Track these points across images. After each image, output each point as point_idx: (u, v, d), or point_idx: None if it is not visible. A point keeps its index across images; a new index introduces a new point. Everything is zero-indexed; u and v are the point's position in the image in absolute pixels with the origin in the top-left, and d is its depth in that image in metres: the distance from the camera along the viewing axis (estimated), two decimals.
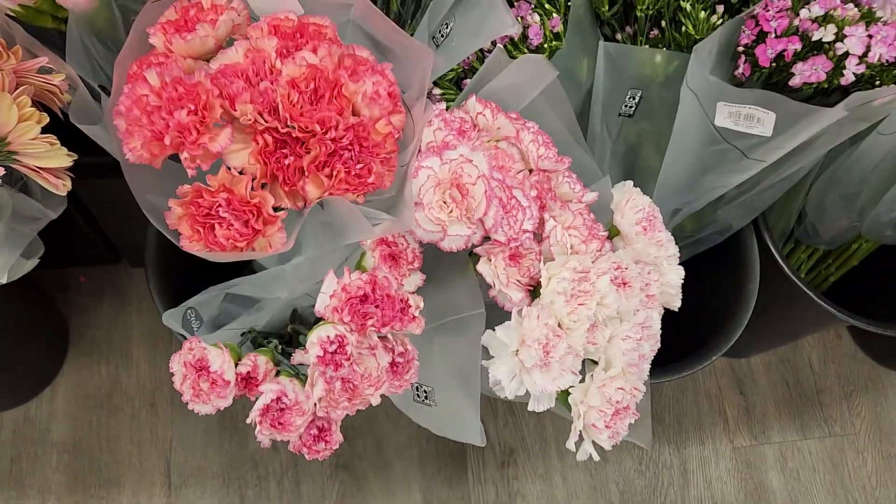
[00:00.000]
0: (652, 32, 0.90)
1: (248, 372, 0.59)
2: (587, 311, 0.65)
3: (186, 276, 0.93)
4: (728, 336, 0.99)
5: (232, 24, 0.64)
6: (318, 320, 0.61)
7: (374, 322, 0.59)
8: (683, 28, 0.87)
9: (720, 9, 0.87)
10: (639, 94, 0.87)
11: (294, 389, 0.58)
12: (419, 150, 0.64)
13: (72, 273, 1.38)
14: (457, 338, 0.69)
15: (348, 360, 0.55)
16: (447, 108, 0.70)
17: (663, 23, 0.90)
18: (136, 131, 0.59)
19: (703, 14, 0.85)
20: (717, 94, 0.74)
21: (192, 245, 0.60)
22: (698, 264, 1.03)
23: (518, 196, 0.65)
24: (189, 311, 0.73)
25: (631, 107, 0.88)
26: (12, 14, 0.76)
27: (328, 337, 0.55)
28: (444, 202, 0.63)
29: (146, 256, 0.91)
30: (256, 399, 0.59)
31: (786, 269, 1.02)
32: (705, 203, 0.92)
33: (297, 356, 0.59)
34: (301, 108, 0.60)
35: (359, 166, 0.61)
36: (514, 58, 0.79)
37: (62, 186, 0.73)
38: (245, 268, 1.07)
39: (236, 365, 0.60)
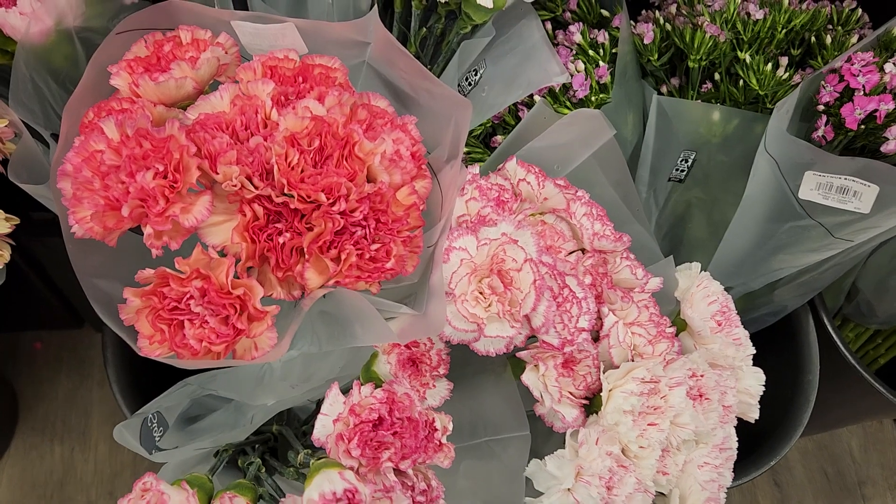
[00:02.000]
0: (704, 86, 0.78)
1: None
2: (659, 434, 0.51)
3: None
4: (786, 437, 0.85)
5: (217, 64, 0.51)
6: (312, 424, 0.46)
7: (390, 455, 0.44)
8: (741, 82, 0.76)
9: (784, 60, 0.76)
10: (692, 157, 0.75)
11: None
12: (449, 227, 0.51)
13: (26, 338, 1.22)
14: (489, 463, 0.55)
15: None
16: (479, 172, 0.56)
17: (717, 75, 0.78)
18: (87, 197, 0.45)
19: (768, 67, 0.73)
20: (806, 162, 0.61)
21: (152, 347, 0.46)
22: None
23: (572, 285, 0.52)
24: (151, 416, 0.58)
25: (683, 171, 0.75)
26: None
27: (333, 493, 0.40)
28: (482, 294, 0.49)
29: (105, 345, 0.76)
30: None
31: (849, 357, 0.89)
32: (766, 283, 0.79)
33: (288, 502, 0.44)
34: (302, 171, 0.46)
35: (374, 247, 0.47)
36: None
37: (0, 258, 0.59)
38: None
39: None
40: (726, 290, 0.82)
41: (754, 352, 0.61)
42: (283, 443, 0.68)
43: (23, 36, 0.59)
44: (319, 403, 0.65)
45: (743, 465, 0.85)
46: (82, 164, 0.45)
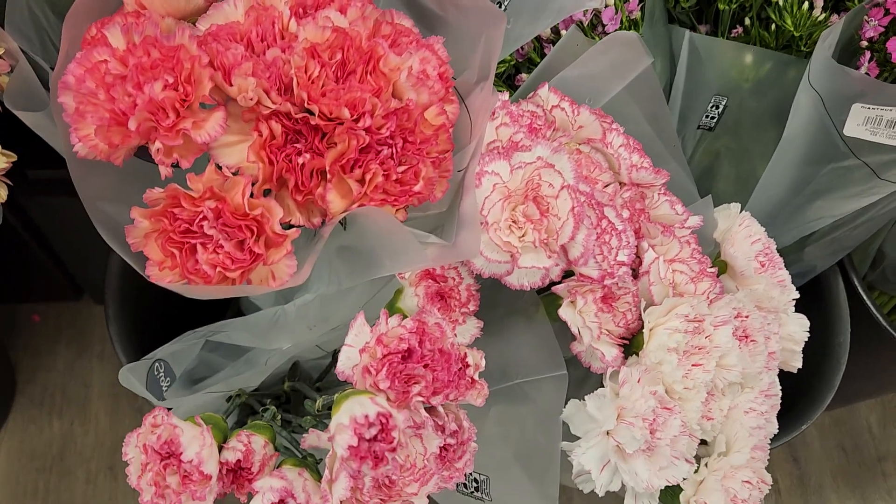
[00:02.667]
0: (734, 31, 0.75)
1: (239, 461, 0.41)
2: (705, 376, 0.48)
3: (158, 315, 0.74)
4: (817, 401, 0.82)
5: None
6: (340, 383, 0.43)
7: (421, 389, 0.41)
8: (773, 25, 0.72)
9: (819, 1, 0.72)
10: (723, 103, 0.71)
11: (305, 488, 0.40)
12: (480, 151, 0.47)
13: (23, 310, 1.18)
14: (523, 408, 0.51)
15: (394, 450, 0.37)
16: (510, 100, 0.53)
17: (747, 20, 0.75)
18: (90, 111, 0.41)
19: (804, 6, 0.69)
20: (855, 93, 0.57)
21: (162, 274, 0.42)
22: None
23: (610, 216, 0.48)
24: (157, 364, 0.55)
25: (713, 117, 0.72)
26: None
27: (366, 417, 0.36)
28: (516, 222, 0.45)
29: (106, 290, 0.72)
30: (249, 499, 0.41)
31: (878, 316, 0.86)
32: (798, 237, 0.75)
33: (311, 438, 0.40)
34: (324, 85, 0.43)
35: (401, 169, 0.44)
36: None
37: None
38: (228, 307, 0.88)
39: (220, 449, 0.41)
40: None
41: (797, 296, 0.57)
42: (296, 399, 0.64)
43: None
44: (334, 357, 0.62)
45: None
46: (85, 74, 0.42)
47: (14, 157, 0.56)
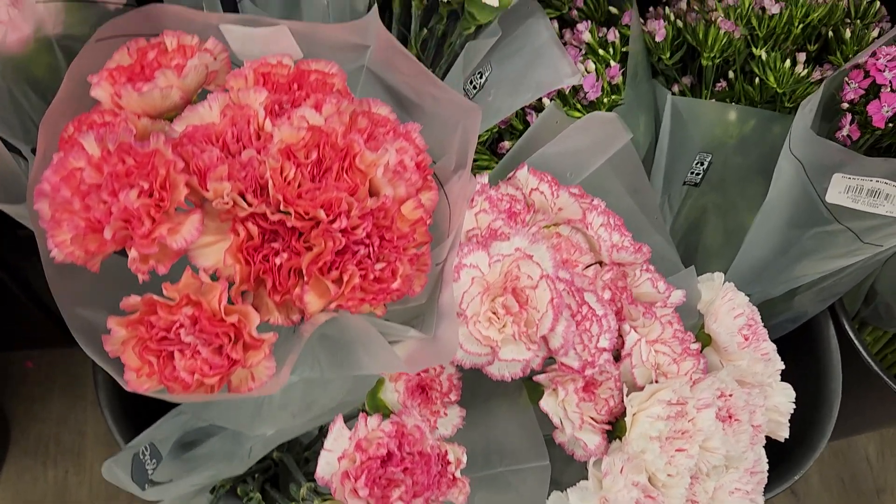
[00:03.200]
0: (718, 84, 0.75)
1: None
2: (688, 461, 0.47)
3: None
4: (810, 449, 0.82)
5: (206, 72, 0.47)
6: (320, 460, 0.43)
7: (401, 493, 0.41)
8: (757, 80, 0.72)
9: (801, 56, 0.72)
10: (707, 159, 0.72)
11: None
12: (459, 243, 0.47)
13: (16, 357, 1.18)
14: (506, 495, 0.51)
15: None
16: (489, 182, 0.53)
17: (731, 73, 0.75)
18: (66, 220, 0.42)
19: (786, 63, 0.70)
20: (835, 163, 0.58)
21: (140, 381, 0.42)
22: None
23: (591, 302, 0.48)
24: (143, 448, 0.54)
25: (698, 174, 0.72)
26: None
27: None
28: (495, 314, 0.45)
29: (95, 369, 0.72)
30: None
31: (870, 362, 0.85)
32: (786, 290, 0.75)
33: None
34: (299, 186, 0.43)
35: (379, 267, 0.44)
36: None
37: None
38: None
39: None
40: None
41: (783, 367, 0.57)
42: (284, 470, 0.64)
43: (0, 45, 0.56)
44: (322, 428, 0.61)
45: (773, 473, 0.82)
46: (61, 182, 0.42)
47: None
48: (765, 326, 0.88)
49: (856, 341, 0.87)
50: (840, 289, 0.83)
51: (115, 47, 0.47)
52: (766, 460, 0.55)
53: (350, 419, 0.54)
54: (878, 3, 0.78)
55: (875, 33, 0.74)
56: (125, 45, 0.47)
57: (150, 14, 0.47)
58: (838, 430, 1.19)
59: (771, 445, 0.84)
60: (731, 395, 0.51)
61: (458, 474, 0.44)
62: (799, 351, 0.90)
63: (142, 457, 0.55)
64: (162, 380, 0.42)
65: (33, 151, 0.57)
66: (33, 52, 0.58)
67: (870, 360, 0.86)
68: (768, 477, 0.81)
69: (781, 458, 0.84)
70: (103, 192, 0.41)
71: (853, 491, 1.26)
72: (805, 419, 0.85)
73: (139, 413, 0.72)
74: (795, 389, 0.89)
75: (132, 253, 0.41)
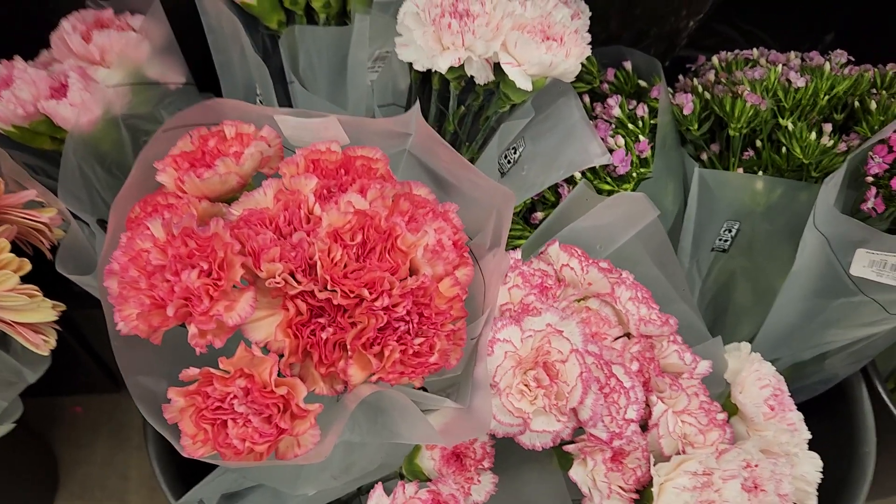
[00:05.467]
0: (745, 153, 0.77)
1: None
2: None
3: None
4: None
5: (260, 158, 0.52)
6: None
7: None
8: (784, 149, 0.75)
9: (827, 127, 0.74)
10: (736, 227, 0.74)
11: None
12: (493, 318, 0.50)
13: (65, 403, 1.23)
14: None
15: None
16: (521, 257, 0.56)
17: (758, 142, 0.77)
18: (132, 297, 0.45)
19: (812, 135, 0.72)
20: (858, 240, 0.60)
21: (196, 447, 0.45)
22: None
23: (619, 374, 0.50)
24: None
25: (726, 240, 0.74)
26: (5, 133, 0.64)
27: None
28: (527, 387, 0.48)
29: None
30: None
31: None
32: (815, 354, 0.77)
33: None
34: (345, 266, 0.46)
35: (418, 342, 0.47)
36: (594, 188, 0.65)
37: (44, 344, 0.59)
38: None
39: None
40: (774, 360, 0.80)
41: (809, 437, 0.58)
42: None
43: (73, 126, 0.61)
44: (361, 489, 0.64)
45: None
46: (129, 263, 0.46)
47: (63, 308, 0.60)
48: (795, 388, 0.89)
49: (889, 403, 0.87)
50: (871, 351, 0.84)
51: (180, 135, 0.52)
52: None
53: (388, 480, 0.56)
54: None
55: None
56: (188, 133, 0.52)
57: (212, 107, 0.51)
58: (875, 491, 1.18)
59: None
60: (756, 466, 0.53)
61: None
62: (831, 413, 0.90)
63: None
64: (215, 446, 0.45)
65: (99, 223, 0.62)
66: (101, 131, 0.63)
67: None
68: None
69: None
70: (167, 272, 0.45)
71: None
72: (838, 482, 0.86)
73: (185, 462, 0.75)
74: (827, 451, 0.90)
75: (191, 328, 0.45)
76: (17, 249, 0.59)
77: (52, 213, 0.58)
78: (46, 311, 0.58)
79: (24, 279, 0.56)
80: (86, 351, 1.11)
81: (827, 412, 0.90)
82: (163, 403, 0.45)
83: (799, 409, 0.87)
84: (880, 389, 0.88)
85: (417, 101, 0.50)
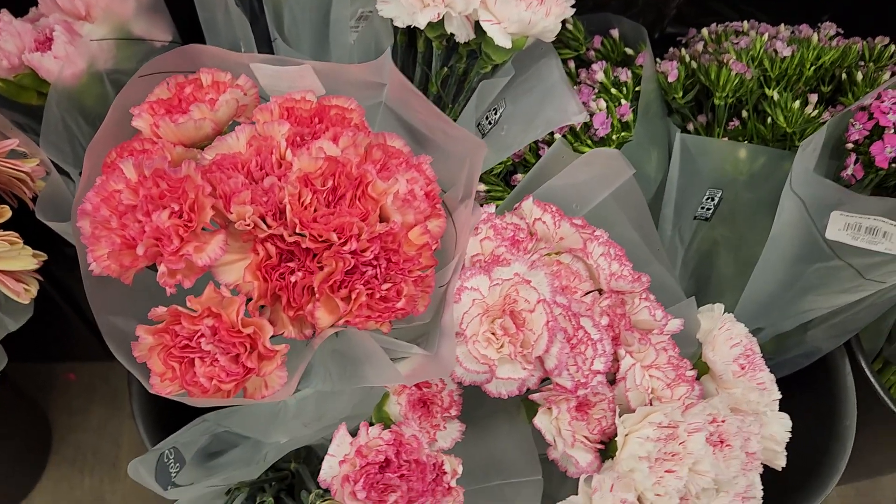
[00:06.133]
0: (731, 123, 0.77)
1: None
2: (677, 482, 0.49)
3: None
4: (820, 486, 0.82)
5: (236, 105, 0.52)
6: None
7: (397, 498, 0.44)
8: (769, 119, 0.75)
9: (813, 98, 0.74)
10: (718, 195, 0.74)
11: None
12: (462, 266, 0.50)
13: (59, 369, 1.24)
14: None
15: None
16: (496, 211, 0.56)
17: (744, 112, 0.77)
18: (104, 237, 0.46)
19: (795, 104, 0.72)
20: (833, 202, 0.60)
21: (163, 385, 0.46)
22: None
23: (587, 326, 0.51)
24: (167, 451, 0.58)
25: (709, 209, 0.74)
26: None
27: None
28: (494, 335, 0.48)
29: (130, 380, 0.77)
30: None
31: (887, 400, 0.85)
32: (796, 324, 0.77)
33: None
34: (315, 211, 0.47)
35: (385, 287, 0.47)
36: (574, 150, 0.66)
37: (24, 293, 0.60)
38: None
39: None
40: (755, 331, 0.80)
41: (779, 397, 0.59)
42: (299, 480, 0.68)
43: (56, 78, 0.61)
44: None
45: None
46: (101, 203, 0.46)
47: (44, 258, 0.61)
48: (779, 362, 0.89)
49: (872, 378, 0.87)
50: (855, 325, 0.84)
51: (157, 83, 0.52)
52: (761, 487, 0.57)
53: (353, 433, 0.57)
54: (893, 47, 0.80)
55: (887, 76, 0.76)
56: (165, 81, 0.52)
57: (188, 53, 0.52)
58: (861, 470, 1.18)
59: (783, 480, 0.85)
60: (723, 422, 0.53)
61: (453, 484, 0.47)
62: (814, 386, 0.90)
63: (166, 460, 0.59)
64: (183, 384, 0.46)
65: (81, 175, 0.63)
66: (85, 85, 0.64)
67: (885, 398, 0.86)
68: None
69: (794, 492, 0.84)
70: (138, 212, 0.46)
71: None
72: (819, 455, 0.86)
73: (169, 423, 0.76)
74: (810, 425, 0.90)
75: (161, 268, 0.45)
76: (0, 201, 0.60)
77: (35, 163, 0.59)
78: (27, 258, 0.58)
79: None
80: (81, 319, 1.12)
81: (810, 386, 0.90)
82: (132, 342, 0.46)
83: (782, 383, 0.88)
84: (864, 365, 0.88)
85: (388, 49, 0.51)
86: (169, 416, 0.78)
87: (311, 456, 0.71)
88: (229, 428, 0.58)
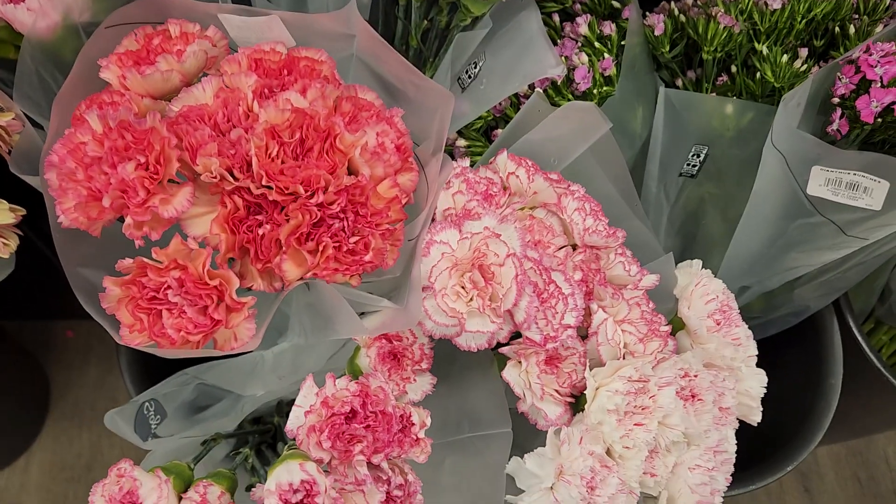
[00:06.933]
0: (720, 78, 0.76)
1: None
2: (646, 435, 0.50)
3: None
4: (805, 441, 0.82)
5: (205, 57, 0.51)
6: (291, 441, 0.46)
7: (362, 448, 0.44)
8: (758, 74, 0.73)
9: (803, 52, 0.73)
10: (704, 151, 0.73)
11: None
12: (433, 220, 0.50)
13: (58, 327, 1.25)
14: (474, 460, 0.54)
15: None
16: (472, 166, 0.56)
17: (733, 67, 0.76)
18: (71, 189, 0.46)
19: (784, 58, 0.70)
20: (813, 157, 0.59)
21: (132, 336, 0.46)
22: (766, 350, 0.86)
23: (558, 280, 0.51)
24: (147, 403, 0.59)
25: (695, 165, 0.73)
26: None
27: (290, 484, 0.40)
28: (463, 288, 0.48)
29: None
30: None
31: (874, 360, 0.85)
32: (782, 282, 0.76)
33: (258, 491, 0.44)
34: (282, 163, 0.46)
35: (353, 240, 0.47)
36: (555, 105, 0.65)
37: (3, 247, 0.60)
38: None
39: (179, 499, 0.45)
40: (742, 289, 0.80)
41: (755, 353, 0.59)
42: (282, 434, 0.68)
43: (30, 30, 0.61)
44: None
45: (759, 469, 0.83)
46: (67, 155, 0.46)
47: (23, 212, 0.61)
48: (768, 320, 0.89)
49: (859, 337, 0.87)
50: (843, 284, 0.84)
51: (125, 34, 0.52)
52: (735, 442, 0.57)
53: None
54: (888, 0, 0.78)
55: (880, 29, 0.74)
56: (133, 32, 0.52)
57: (156, 3, 0.51)
58: (851, 430, 1.19)
59: (767, 436, 0.85)
60: (695, 376, 0.53)
61: (421, 435, 0.47)
62: (802, 345, 0.90)
63: (146, 412, 0.60)
64: (151, 335, 0.46)
65: None
66: (60, 38, 0.63)
67: (872, 357, 0.86)
68: (765, 465, 0.82)
69: (779, 447, 0.84)
70: (104, 164, 0.45)
71: (870, 490, 1.25)
72: (804, 412, 0.86)
73: (157, 379, 0.77)
74: (797, 382, 0.90)
75: (127, 220, 0.45)
76: None
77: (10, 116, 0.59)
78: (4, 213, 0.58)
79: None
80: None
81: (798, 344, 0.90)
82: (100, 293, 0.46)
83: (770, 340, 0.88)
84: (851, 324, 0.88)
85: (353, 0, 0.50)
86: (157, 372, 0.79)
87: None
88: (207, 381, 0.59)
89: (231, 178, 0.46)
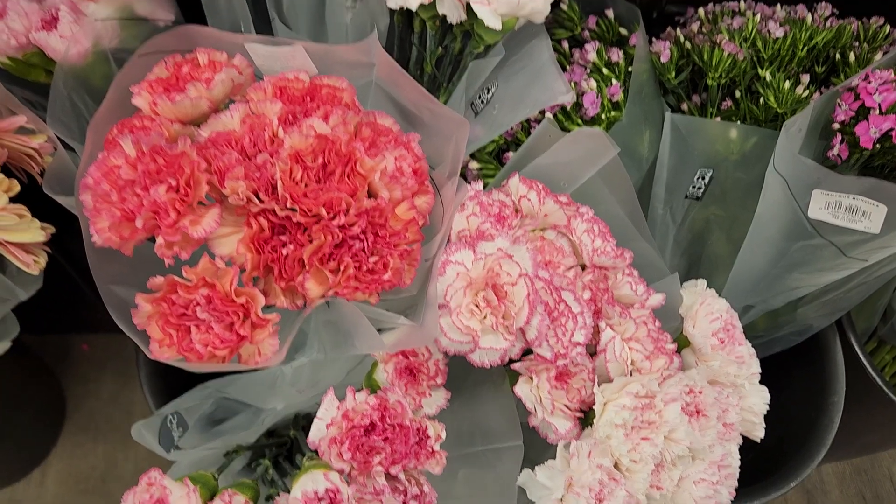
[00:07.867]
0: (724, 103, 0.78)
1: None
2: (652, 449, 0.51)
3: None
4: (808, 458, 0.84)
5: (231, 85, 0.54)
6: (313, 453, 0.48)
7: (381, 459, 0.46)
8: (762, 100, 0.76)
9: (805, 78, 0.75)
10: (709, 174, 0.75)
11: None
12: (448, 241, 0.52)
13: (74, 340, 1.28)
14: (486, 472, 0.56)
15: None
16: (485, 188, 0.58)
17: (737, 93, 0.78)
18: (105, 209, 0.49)
19: (786, 84, 0.73)
20: (814, 181, 0.61)
21: (162, 351, 0.49)
22: (770, 368, 0.88)
23: (568, 300, 0.53)
24: (171, 416, 0.61)
25: (700, 188, 0.75)
26: (2, 66, 0.67)
27: (315, 493, 0.42)
28: (477, 306, 0.50)
29: (138, 349, 0.80)
30: None
31: (877, 379, 0.87)
32: (785, 302, 0.78)
33: (282, 500, 0.46)
34: (305, 186, 0.49)
35: (372, 260, 0.49)
36: (565, 130, 0.67)
37: (34, 264, 0.63)
38: None
39: None
40: (746, 308, 0.82)
41: (759, 370, 0.61)
42: (297, 447, 0.70)
43: (62, 57, 0.64)
44: None
45: (763, 485, 0.84)
46: (102, 177, 0.49)
47: (52, 230, 0.63)
48: (771, 339, 0.91)
49: (862, 357, 0.89)
50: (846, 304, 0.85)
51: (156, 62, 0.54)
52: (738, 457, 0.59)
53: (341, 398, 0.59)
54: (889, 27, 0.81)
55: (880, 56, 0.76)
56: (163, 60, 0.54)
57: (186, 33, 0.54)
58: (855, 448, 1.20)
59: (771, 453, 0.87)
60: (700, 393, 0.55)
61: (436, 447, 0.49)
62: (805, 363, 0.92)
63: (169, 424, 0.62)
64: (180, 350, 0.48)
65: None
66: (90, 64, 0.66)
67: (875, 376, 0.87)
68: (769, 481, 0.84)
69: (783, 463, 0.86)
70: (136, 186, 0.48)
71: None
72: (807, 429, 0.88)
73: (175, 392, 0.79)
74: (800, 400, 0.92)
75: (159, 240, 0.48)
76: (9, 175, 0.62)
77: (43, 139, 0.62)
78: (35, 231, 0.61)
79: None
80: (93, 291, 1.16)
81: (802, 363, 0.92)
82: (132, 309, 0.48)
83: (774, 358, 0.89)
84: (854, 344, 0.90)
85: (375, 30, 0.52)
86: (175, 385, 0.81)
87: (309, 424, 0.74)
88: (228, 395, 0.61)
89: (257, 201, 0.49)
